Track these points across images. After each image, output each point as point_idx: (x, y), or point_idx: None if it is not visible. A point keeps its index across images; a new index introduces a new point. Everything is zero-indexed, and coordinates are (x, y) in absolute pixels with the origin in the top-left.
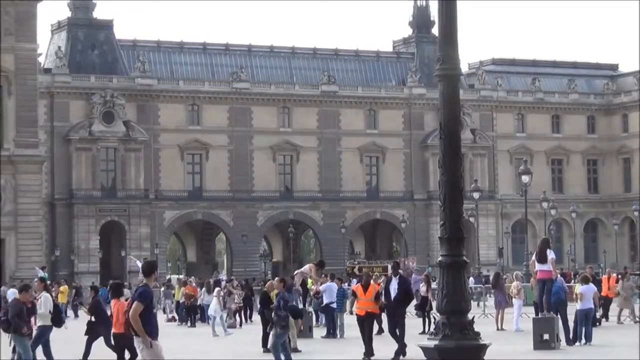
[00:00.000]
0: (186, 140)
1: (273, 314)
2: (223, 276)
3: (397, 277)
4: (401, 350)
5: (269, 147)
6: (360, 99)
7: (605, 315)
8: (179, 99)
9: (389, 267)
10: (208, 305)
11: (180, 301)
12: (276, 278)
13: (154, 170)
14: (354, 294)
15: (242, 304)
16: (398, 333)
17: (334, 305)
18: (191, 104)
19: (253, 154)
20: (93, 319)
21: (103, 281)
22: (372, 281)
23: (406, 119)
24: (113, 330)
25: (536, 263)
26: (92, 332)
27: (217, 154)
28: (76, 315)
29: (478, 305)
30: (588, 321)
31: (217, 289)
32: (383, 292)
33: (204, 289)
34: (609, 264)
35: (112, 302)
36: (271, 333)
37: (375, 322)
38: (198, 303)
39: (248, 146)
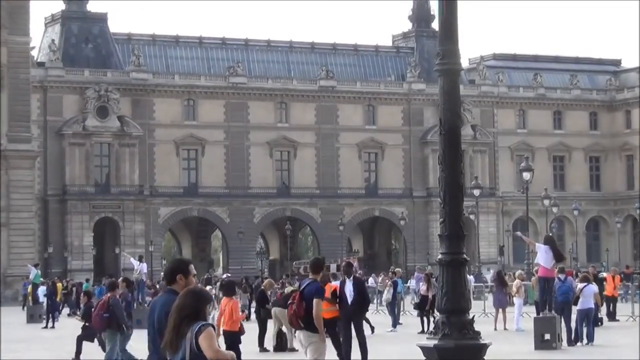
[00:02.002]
0: (182, 135)
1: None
2: (224, 274)
3: (352, 278)
4: (365, 357)
5: (265, 142)
6: (358, 94)
7: (611, 315)
8: (175, 94)
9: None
10: None
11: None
12: (120, 279)
13: (148, 166)
14: None
15: (246, 312)
16: (358, 341)
17: None
18: (187, 98)
19: (250, 149)
20: (87, 323)
21: (96, 279)
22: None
23: (405, 114)
24: (224, 328)
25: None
26: (85, 334)
27: (213, 150)
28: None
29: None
30: (589, 321)
31: (207, 287)
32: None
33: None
34: (612, 263)
35: (223, 300)
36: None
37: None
38: None
39: (244, 142)
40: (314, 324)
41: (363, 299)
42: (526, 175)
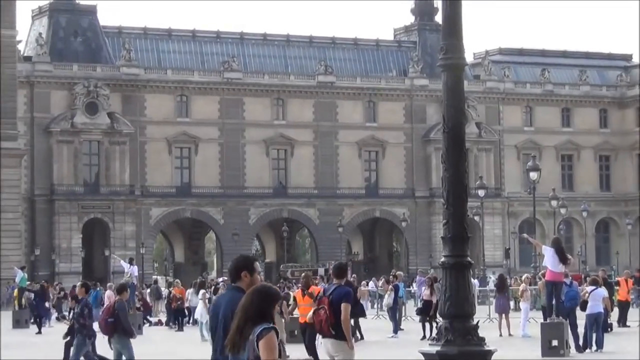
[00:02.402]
0: (174, 133)
1: (74, 321)
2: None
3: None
4: None
5: (262, 140)
6: (358, 90)
7: (623, 320)
8: (167, 90)
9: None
10: (195, 308)
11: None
12: (79, 283)
13: (139, 165)
14: (294, 299)
15: None
16: None
17: None
18: (180, 94)
19: (245, 148)
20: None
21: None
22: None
23: (407, 111)
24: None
25: (550, 264)
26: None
27: (206, 148)
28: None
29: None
30: (598, 326)
31: (201, 291)
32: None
33: (191, 289)
34: (622, 266)
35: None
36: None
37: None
38: (186, 305)
39: (240, 140)
40: (343, 330)
41: (354, 305)
42: (533, 175)
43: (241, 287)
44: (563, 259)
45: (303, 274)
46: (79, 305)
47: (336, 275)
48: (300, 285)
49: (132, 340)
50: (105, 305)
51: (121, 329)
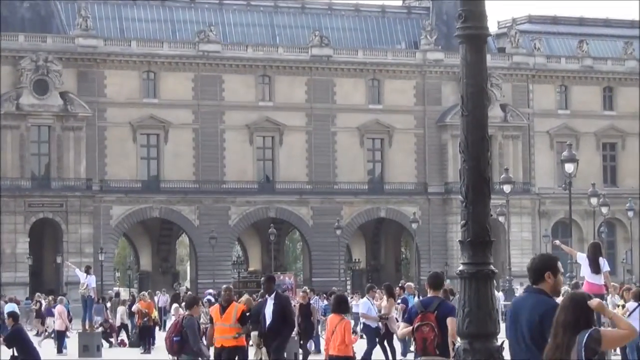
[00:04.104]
0: (140, 116)
1: None
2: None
3: (273, 296)
4: None
5: (244, 126)
6: (360, 66)
7: None
8: (131, 65)
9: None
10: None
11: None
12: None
13: (98, 155)
14: (211, 319)
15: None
16: None
17: None
18: (146, 70)
19: (224, 134)
20: (15, 352)
21: (33, 294)
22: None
23: (419, 91)
24: (333, 353)
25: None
26: None
27: (178, 135)
28: None
29: None
30: None
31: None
32: (256, 317)
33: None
34: None
35: (333, 318)
36: None
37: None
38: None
39: (218, 125)
40: (447, 349)
41: (284, 322)
42: (569, 167)
43: (543, 290)
44: (595, 269)
45: (224, 286)
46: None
47: (433, 286)
48: (220, 300)
49: None
50: (172, 321)
51: (190, 349)
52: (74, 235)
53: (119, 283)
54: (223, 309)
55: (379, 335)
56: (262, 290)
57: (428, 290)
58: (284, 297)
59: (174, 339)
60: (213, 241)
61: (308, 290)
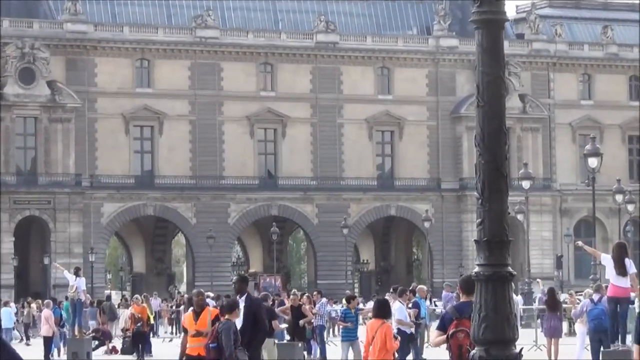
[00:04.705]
0: (132, 107)
1: None
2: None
3: (244, 297)
4: None
5: (244, 117)
6: (369, 53)
7: None
8: (123, 52)
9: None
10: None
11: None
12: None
13: (88, 149)
14: (183, 328)
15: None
16: None
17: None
18: (139, 58)
19: (223, 126)
20: None
21: (18, 298)
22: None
23: (431, 80)
24: (371, 359)
25: (613, 276)
26: None
27: (174, 127)
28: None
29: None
30: None
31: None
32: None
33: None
34: None
35: (373, 322)
36: None
37: None
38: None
39: (216, 116)
40: None
41: (255, 326)
42: (592, 162)
43: None
44: (621, 270)
45: (195, 291)
46: None
47: (467, 291)
48: (193, 305)
49: None
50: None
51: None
52: (62, 235)
53: (110, 286)
54: (197, 315)
55: (413, 341)
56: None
57: (461, 295)
58: (256, 299)
59: (211, 346)
60: (211, 241)
61: (298, 293)
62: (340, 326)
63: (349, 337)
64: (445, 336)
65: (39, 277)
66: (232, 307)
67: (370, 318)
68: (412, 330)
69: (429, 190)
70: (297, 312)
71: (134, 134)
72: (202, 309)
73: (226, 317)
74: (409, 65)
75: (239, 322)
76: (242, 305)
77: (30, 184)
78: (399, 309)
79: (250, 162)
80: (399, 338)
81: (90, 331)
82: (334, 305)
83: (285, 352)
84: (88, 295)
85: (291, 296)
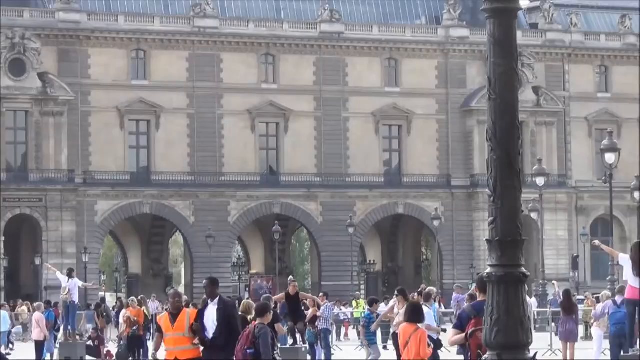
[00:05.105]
0: (128, 100)
1: None
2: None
3: (216, 301)
4: None
5: (245, 111)
6: (375, 44)
7: None
8: (118, 43)
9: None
10: None
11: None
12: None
13: (81, 144)
14: (159, 329)
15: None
16: None
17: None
18: (135, 49)
19: (223, 120)
20: None
21: (9, 300)
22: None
23: (441, 72)
24: None
25: (631, 277)
26: None
27: (171, 121)
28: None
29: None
30: None
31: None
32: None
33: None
34: None
35: (406, 327)
36: None
37: None
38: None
39: (216, 110)
40: None
41: (230, 331)
42: (609, 158)
43: None
44: (639, 271)
45: (171, 290)
46: None
47: (484, 290)
48: (168, 307)
49: None
50: (244, 331)
51: None
52: (55, 234)
53: (104, 287)
54: (174, 317)
55: (439, 347)
56: (204, 296)
57: (478, 294)
58: (230, 302)
59: (248, 351)
60: (210, 240)
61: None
62: (374, 329)
63: (374, 339)
64: (463, 335)
65: (30, 278)
66: (263, 311)
67: (387, 320)
68: (439, 335)
69: (438, 187)
70: (294, 300)
71: (130, 128)
72: (179, 311)
73: (258, 321)
74: (418, 56)
75: (211, 325)
76: (214, 308)
77: (20, 180)
78: (427, 314)
79: (251, 157)
80: (432, 345)
81: (87, 335)
82: (342, 308)
83: (288, 356)
84: (85, 283)
85: (291, 284)
